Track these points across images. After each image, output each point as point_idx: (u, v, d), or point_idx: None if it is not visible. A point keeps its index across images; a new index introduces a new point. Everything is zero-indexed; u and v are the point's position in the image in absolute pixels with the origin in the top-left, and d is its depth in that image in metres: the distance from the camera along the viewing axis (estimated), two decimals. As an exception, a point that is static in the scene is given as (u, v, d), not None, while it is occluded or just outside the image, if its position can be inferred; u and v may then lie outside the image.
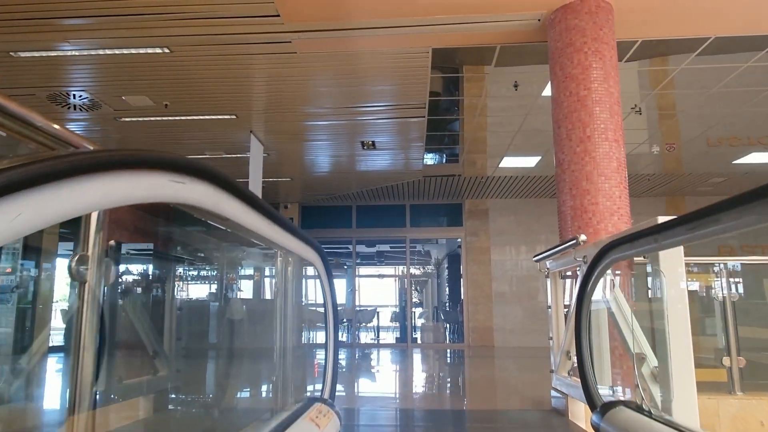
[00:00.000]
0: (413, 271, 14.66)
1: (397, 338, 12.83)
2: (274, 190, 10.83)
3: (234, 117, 6.85)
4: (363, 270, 20.67)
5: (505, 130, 7.63)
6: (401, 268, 17.76)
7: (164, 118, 6.88)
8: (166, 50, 5.07)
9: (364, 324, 13.07)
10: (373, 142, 7.88)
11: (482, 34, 4.83)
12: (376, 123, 7.18)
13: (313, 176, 9.81)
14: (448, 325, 12.70)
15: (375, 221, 11.98)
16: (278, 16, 4.49)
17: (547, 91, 6.25)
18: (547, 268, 4.31)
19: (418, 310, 13.73)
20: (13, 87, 5.96)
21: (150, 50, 5.07)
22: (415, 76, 5.79)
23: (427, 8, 4.45)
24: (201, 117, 6.84)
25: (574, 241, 3.44)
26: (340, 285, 17.67)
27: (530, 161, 9.03)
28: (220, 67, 5.49)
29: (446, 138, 8.69)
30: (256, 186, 7.41)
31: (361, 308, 14.42)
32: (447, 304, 13.47)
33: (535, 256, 4.42)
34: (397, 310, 14.80)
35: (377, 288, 21.67)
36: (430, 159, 10.13)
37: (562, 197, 4.19)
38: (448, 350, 11.13)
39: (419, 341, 11.64)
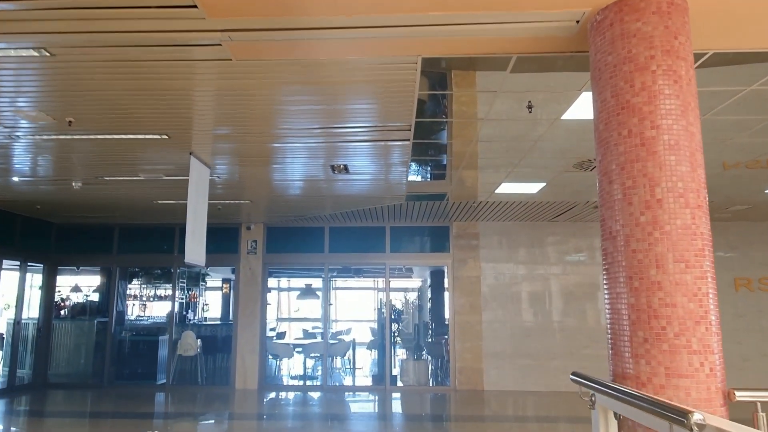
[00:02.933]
0: (393, 294, 13.29)
1: (374, 376, 11.42)
2: (235, 211, 9.32)
3: (165, 137, 5.35)
4: (339, 283, 19.28)
5: (507, 158, 6.26)
6: (380, 280, 16.43)
7: (78, 137, 5.34)
8: (45, 53, 3.56)
9: (338, 356, 11.63)
10: (345, 165, 6.44)
11: (491, 40, 3.42)
12: (351, 146, 5.75)
13: (278, 198, 8.34)
14: (431, 363, 11.32)
15: (351, 245, 10.54)
16: (195, 7, 3.02)
17: (574, 114, 4.88)
18: (592, 398, 2.91)
19: (398, 347, 12.33)
20: None
21: (23, 51, 3.57)
22: (400, 92, 4.37)
23: (416, 4, 3.03)
24: (122, 136, 5.32)
25: (677, 418, 2.02)
26: (313, 301, 16.16)
27: (532, 188, 7.68)
28: (130, 77, 3.99)
29: (432, 162, 7.33)
30: (198, 211, 5.92)
31: (335, 339, 12.97)
32: (431, 335, 12.13)
33: (576, 376, 3.01)
34: (375, 338, 13.40)
35: (353, 302, 20.28)
36: (414, 177, 8.80)
37: (616, 289, 2.80)
38: (433, 395, 9.76)
39: (399, 382, 10.26)
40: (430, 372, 10.83)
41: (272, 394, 9.64)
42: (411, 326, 12.06)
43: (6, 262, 9.33)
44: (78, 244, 10.65)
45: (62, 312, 11.37)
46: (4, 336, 9.83)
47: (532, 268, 10.26)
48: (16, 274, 9.69)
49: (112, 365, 10.28)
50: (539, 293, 10.18)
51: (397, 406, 9.01)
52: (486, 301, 10.18)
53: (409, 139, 5.52)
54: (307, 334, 14.42)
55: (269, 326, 15.51)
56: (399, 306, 12.04)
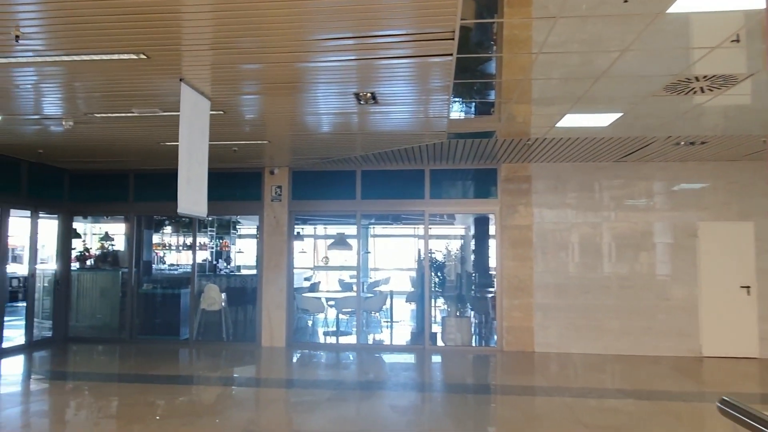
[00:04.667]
0: (433, 243, 12.22)
1: (413, 333, 10.53)
2: (257, 153, 8.29)
3: (144, 57, 4.25)
4: (378, 230, 18.36)
5: (576, 80, 4.91)
6: (420, 227, 15.50)
7: (31, 59, 4.31)
8: None
9: (373, 313, 10.79)
10: (372, 94, 5.22)
11: None
12: (385, 66, 4.52)
13: (302, 137, 7.24)
14: (475, 320, 10.32)
15: (385, 190, 9.43)
16: None
17: (691, 3, 3.50)
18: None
19: (439, 302, 11.36)
20: None
21: None
22: (438, -23, 3.10)
23: None
24: (85, 57, 4.25)
25: None
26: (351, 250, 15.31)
27: (603, 119, 6.30)
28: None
29: (478, 87, 6.07)
30: (195, 153, 4.90)
31: (371, 292, 12.11)
32: (474, 289, 11.09)
33: (730, 407, 1.87)
34: (414, 289, 12.48)
35: (392, 250, 19.41)
36: (457, 113, 7.53)
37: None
38: (478, 357, 8.80)
39: (439, 341, 9.33)
40: (473, 330, 9.85)
41: (299, 354, 8.89)
42: (452, 279, 11.05)
43: (13, 212, 8.68)
44: (93, 192, 9.92)
45: (87, 262, 10.85)
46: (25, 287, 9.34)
47: (591, 216, 8.93)
48: (27, 223, 9.07)
49: (135, 319, 9.72)
50: (598, 244, 8.91)
51: (437, 371, 8.10)
52: (538, 252, 8.98)
53: (451, 54, 4.24)
54: (343, 285, 13.64)
55: (304, 276, 14.85)
56: (440, 257, 11.01)
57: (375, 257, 18.66)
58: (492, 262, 10.71)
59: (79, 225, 12.15)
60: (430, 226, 9.47)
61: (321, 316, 11.10)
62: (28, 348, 8.90)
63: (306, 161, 8.97)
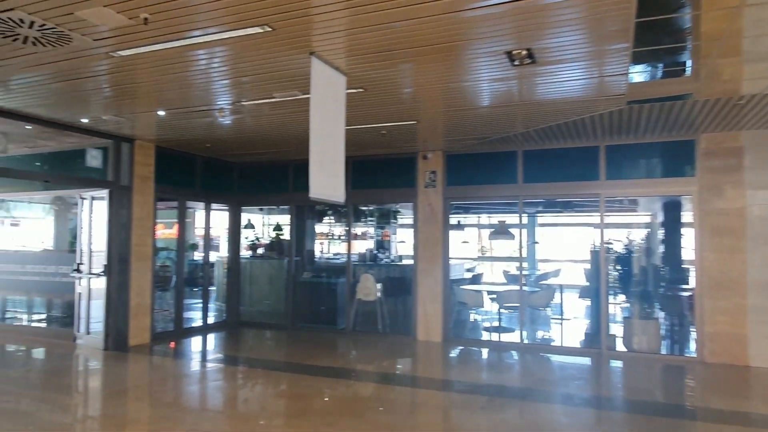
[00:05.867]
0: (610, 232, 10.65)
1: (586, 334, 9.22)
2: (407, 136, 7.80)
3: (268, 29, 3.91)
4: (544, 217, 16.91)
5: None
6: (594, 214, 13.91)
7: (172, 45, 4.23)
8: None
9: (541, 308, 9.70)
10: (528, 51, 4.32)
11: None
12: (542, 9, 3.64)
13: (455, 115, 6.55)
14: (665, 323, 8.67)
15: (552, 172, 8.29)
16: None
17: None
18: None
19: (619, 299, 9.84)
20: None
21: None
22: None
23: None
24: (212, 37, 4.04)
25: None
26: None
27: None
28: None
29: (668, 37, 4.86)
30: (329, 134, 4.50)
31: (537, 286, 10.98)
32: (663, 286, 9.37)
33: None
34: (588, 284, 11.05)
35: (560, 240, 17.80)
36: (638, 72, 6.25)
37: None
38: (670, 368, 7.31)
39: (620, 345, 7.97)
40: (662, 334, 8.26)
41: (456, 351, 8.23)
42: (635, 273, 9.48)
43: (189, 203, 9.36)
44: (257, 183, 10.35)
45: (258, 251, 11.46)
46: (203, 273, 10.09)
47: (836, 195, 6.83)
48: (203, 215, 9.74)
49: (297, 306, 9.94)
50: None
51: (618, 382, 6.86)
52: (752, 243, 7.15)
53: (633, -21, 3.19)
54: (509, 277, 12.67)
55: (465, 267, 14.16)
56: (619, 248, 9.52)
57: (543, 247, 17.25)
58: (687, 254, 8.94)
59: (254, 216, 12.97)
60: (606, 213, 8.11)
61: (482, 310, 10.33)
62: (204, 330, 9.57)
63: (461, 143, 8.25)
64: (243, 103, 5.94)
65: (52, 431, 4.66)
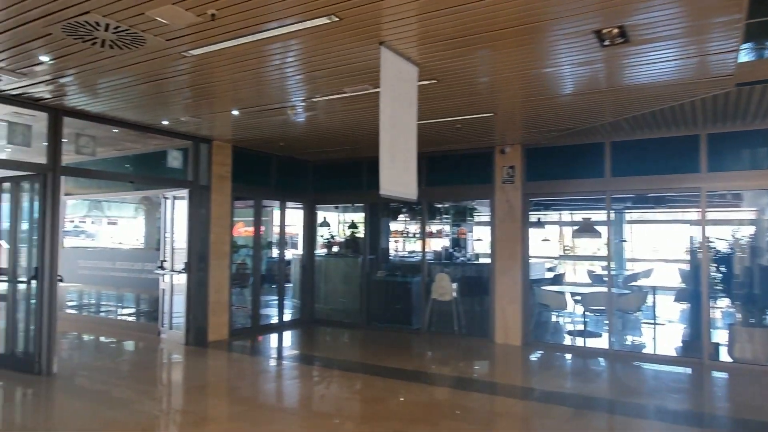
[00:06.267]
0: (712, 229, 9.70)
1: (684, 342, 8.42)
2: (483, 129, 7.44)
3: (336, 20, 3.74)
4: (635, 214, 15.79)
5: None
6: (693, 210, 12.90)
7: (240, 42, 4.17)
8: None
9: (631, 312, 8.99)
10: (620, 28, 3.86)
11: None
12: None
13: (535, 104, 6.12)
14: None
15: (644, 165, 7.62)
16: None
17: None
18: None
19: (723, 303, 8.94)
20: (16, 16, 3.97)
21: None
22: None
23: None
24: (277, 32, 3.91)
25: None
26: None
27: None
28: None
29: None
30: (400, 126, 4.29)
31: (627, 287, 10.22)
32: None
33: None
34: (686, 287, 10.16)
35: (654, 238, 16.60)
36: (748, 52, 5.61)
37: None
38: (784, 383, 6.48)
39: (724, 355, 7.18)
40: (776, 344, 7.35)
41: (537, 356, 7.76)
42: (742, 275, 8.54)
43: (265, 202, 9.47)
44: (331, 182, 10.34)
45: (333, 249, 11.47)
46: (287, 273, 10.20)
47: None
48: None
49: (370, 305, 9.82)
50: None
51: (724, 398, 6.16)
52: None
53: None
54: (594, 278, 11.92)
55: (546, 266, 13.49)
56: (722, 247, 8.62)
57: (632, 246, 16.14)
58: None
59: (330, 214, 13.02)
60: (707, 209, 7.34)
61: (564, 312, 9.74)
62: (280, 327, 9.67)
63: (541, 135, 7.76)
64: (314, 99, 5.84)
65: (149, 420, 4.78)
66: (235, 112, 6.54)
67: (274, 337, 9.10)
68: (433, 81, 5.14)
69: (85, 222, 15.62)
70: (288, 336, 9.28)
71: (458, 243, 14.01)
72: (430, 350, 8.30)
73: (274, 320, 9.78)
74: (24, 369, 6.26)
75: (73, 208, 12.84)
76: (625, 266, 14.78)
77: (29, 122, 6.39)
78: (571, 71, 4.94)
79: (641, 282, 11.40)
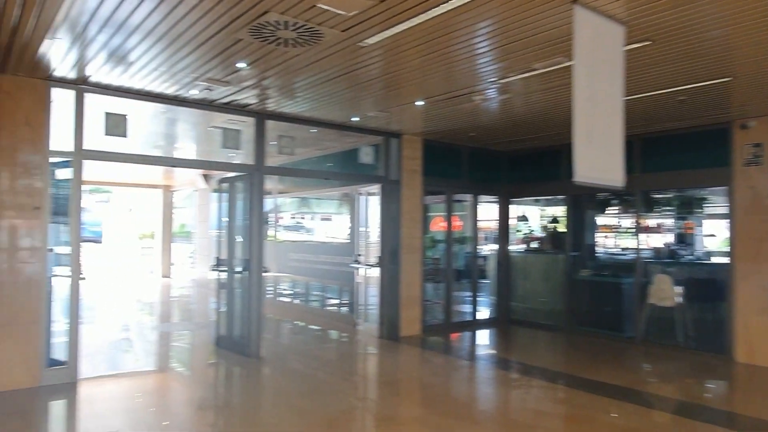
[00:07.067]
0: None
1: None
2: (716, 100, 6.06)
3: (515, -23, 3.18)
4: None
5: None
6: None
7: (410, 24, 3.86)
8: None
9: None
10: None
11: None
12: None
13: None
14: None
15: None
16: None
17: None
18: None
19: None
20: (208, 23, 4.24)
21: None
22: None
23: None
24: (448, 5, 3.47)
25: None
26: None
27: None
28: None
29: None
30: (600, 101, 3.56)
31: None
32: None
33: None
34: None
35: None
36: None
37: None
38: None
39: None
40: None
41: (800, 385, 6.07)
42: None
43: (456, 195, 9.15)
44: (527, 173, 9.59)
45: (531, 245, 10.71)
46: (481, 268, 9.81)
47: None
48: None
49: (573, 307, 8.85)
50: None
51: None
52: None
53: None
54: None
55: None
56: None
57: None
58: None
59: (528, 208, 12.23)
60: None
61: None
62: (473, 325, 9.27)
63: (801, 102, 6.03)
64: (502, 81, 5.30)
65: (354, 411, 4.86)
66: (421, 103, 6.31)
67: (467, 336, 8.76)
68: (647, 42, 4.21)
69: (304, 218, 17.20)
70: (482, 335, 8.86)
71: (683, 239, 12.02)
72: (648, 364, 7.12)
73: (468, 318, 9.43)
74: (239, 351, 6.92)
75: (290, 206, 14.17)
76: None
77: (239, 128, 7.03)
78: None
79: None
